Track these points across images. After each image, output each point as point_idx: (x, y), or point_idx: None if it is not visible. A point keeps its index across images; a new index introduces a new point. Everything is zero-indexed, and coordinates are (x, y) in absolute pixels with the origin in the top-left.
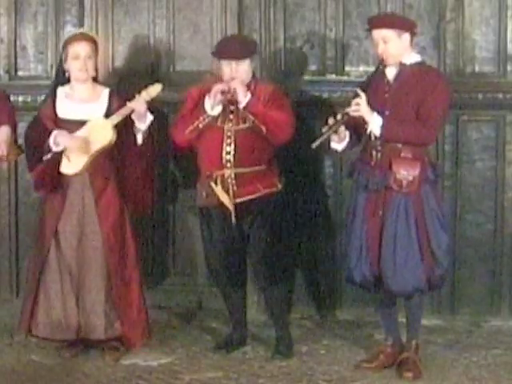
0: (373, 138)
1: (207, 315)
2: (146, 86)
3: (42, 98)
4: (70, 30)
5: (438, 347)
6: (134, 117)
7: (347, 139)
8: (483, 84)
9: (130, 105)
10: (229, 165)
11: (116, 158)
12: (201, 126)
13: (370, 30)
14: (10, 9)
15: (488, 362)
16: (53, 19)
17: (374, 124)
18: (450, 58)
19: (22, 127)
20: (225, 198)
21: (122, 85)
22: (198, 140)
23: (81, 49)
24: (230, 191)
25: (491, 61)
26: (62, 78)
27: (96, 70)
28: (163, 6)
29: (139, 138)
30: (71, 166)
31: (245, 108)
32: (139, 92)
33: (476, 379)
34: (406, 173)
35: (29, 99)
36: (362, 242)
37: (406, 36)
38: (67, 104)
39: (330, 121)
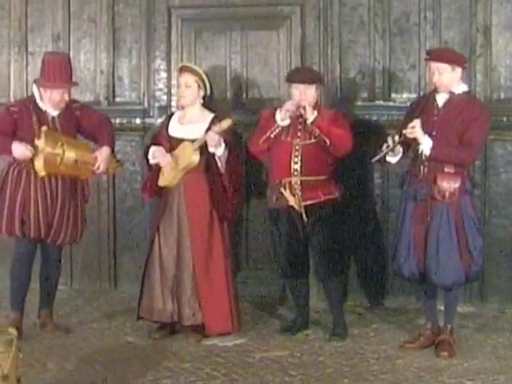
0: (423, 157)
1: (275, 303)
2: (220, 120)
3: (136, 120)
4: (159, 63)
5: (470, 330)
6: (208, 144)
7: (400, 154)
8: (507, 109)
9: (204, 136)
10: (296, 173)
11: (207, 173)
12: (272, 135)
13: (428, 60)
14: (109, 46)
15: None
16: (145, 54)
17: (426, 145)
18: (479, 87)
19: (118, 145)
20: (292, 201)
21: None
22: (270, 153)
23: (181, 79)
24: (296, 196)
25: None
26: None
27: (203, 97)
28: (237, 43)
29: (218, 163)
30: (164, 179)
31: (312, 123)
32: (214, 124)
33: (502, 357)
34: (448, 185)
35: (124, 121)
36: (410, 243)
37: (459, 70)
38: (177, 125)
39: (389, 140)
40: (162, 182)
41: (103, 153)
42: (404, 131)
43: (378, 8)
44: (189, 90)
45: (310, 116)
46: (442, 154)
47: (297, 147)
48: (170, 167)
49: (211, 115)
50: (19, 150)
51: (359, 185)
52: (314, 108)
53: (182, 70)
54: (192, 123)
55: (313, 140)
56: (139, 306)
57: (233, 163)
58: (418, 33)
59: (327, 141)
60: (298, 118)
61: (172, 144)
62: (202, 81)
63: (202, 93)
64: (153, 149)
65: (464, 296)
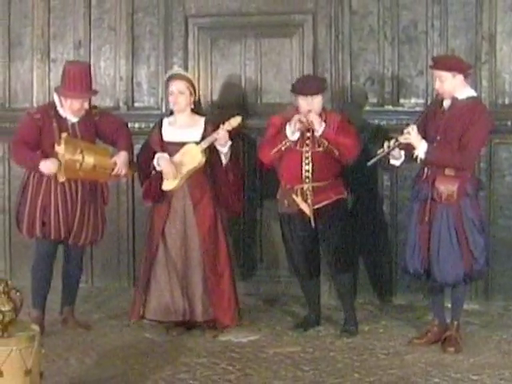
0: (418, 161)
1: (288, 301)
2: (229, 118)
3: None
4: (176, 69)
5: (475, 327)
6: (216, 142)
7: (403, 158)
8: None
9: (215, 134)
10: (307, 180)
11: (210, 174)
12: (283, 148)
13: (431, 68)
14: (128, 53)
15: None
16: (162, 61)
17: (420, 149)
18: (484, 92)
19: (137, 149)
20: (304, 207)
21: (219, 113)
22: (280, 160)
23: (174, 87)
24: (309, 200)
25: None
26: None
27: (194, 102)
28: (252, 50)
29: (223, 159)
30: (168, 183)
31: (320, 135)
32: (223, 123)
33: (506, 353)
34: (445, 188)
35: (143, 126)
36: (415, 242)
37: (460, 77)
38: (171, 130)
39: (385, 145)
40: (166, 186)
41: (122, 157)
42: (398, 138)
43: (387, 16)
44: (182, 96)
45: (319, 128)
46: (435, 158)
47: (307, 155)
48: (173, 175)
49: (202, 119)
50: (47, 166)
51: (369, 187)
52: (321, 116)
53: (174, 77)
54: (186, 127)
55: (321, 148)
56: (144, 308)
57: (234, 159)
58: (425, 40)
59: (336, 152)
60: (306, 128)
61: (169, 149)
62: (193, 86)
63: (192, 98)
64: (157, 156)
65: (470, 294)
